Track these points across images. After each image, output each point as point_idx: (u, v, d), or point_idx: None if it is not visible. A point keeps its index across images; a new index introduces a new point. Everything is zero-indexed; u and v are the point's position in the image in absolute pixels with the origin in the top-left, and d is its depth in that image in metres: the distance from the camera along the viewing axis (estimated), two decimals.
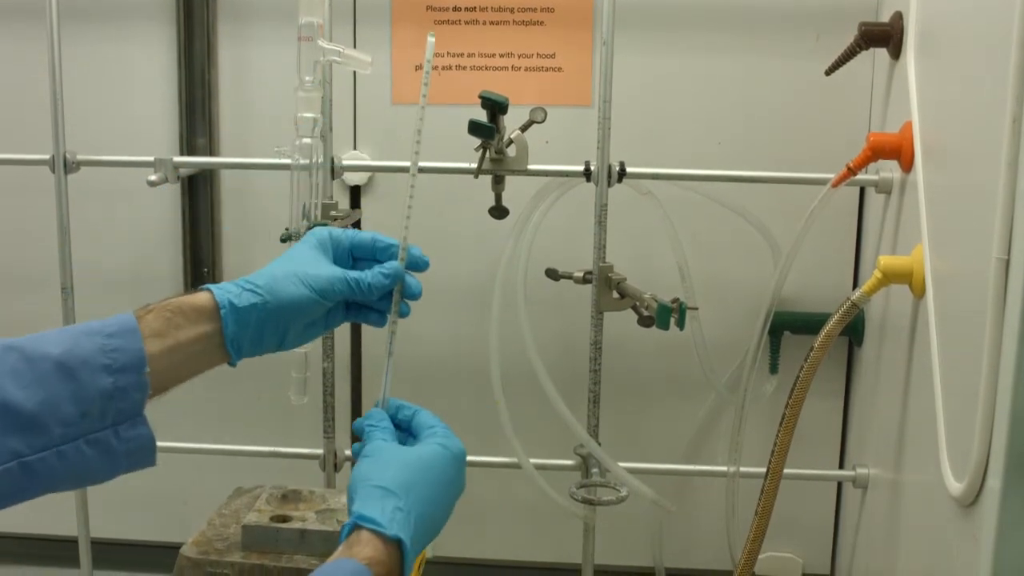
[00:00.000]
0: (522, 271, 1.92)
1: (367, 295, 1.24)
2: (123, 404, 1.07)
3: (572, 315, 2.11)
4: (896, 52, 1.81)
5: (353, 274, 1.23)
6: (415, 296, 1.29)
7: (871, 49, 1.86)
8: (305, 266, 1.21)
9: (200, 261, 2.26)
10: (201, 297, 1.14)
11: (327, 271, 1.22)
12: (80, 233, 2.05)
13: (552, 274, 1.99)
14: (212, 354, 1.16)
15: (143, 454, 1.10)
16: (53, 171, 1.99)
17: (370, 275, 1.24)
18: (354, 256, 1.28)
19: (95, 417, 1.05)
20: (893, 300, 1.79)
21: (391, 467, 1.12)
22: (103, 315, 1.88)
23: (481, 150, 1.80)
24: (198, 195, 2.24)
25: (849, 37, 1.84)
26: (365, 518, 1.04)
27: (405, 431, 1.26)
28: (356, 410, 2.29)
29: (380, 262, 1.27)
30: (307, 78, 1.54)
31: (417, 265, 1.29)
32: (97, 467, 1.07)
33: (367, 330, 2.24)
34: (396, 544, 1.03)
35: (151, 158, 1.98)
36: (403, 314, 1.30)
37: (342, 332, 2.18)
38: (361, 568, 0.99)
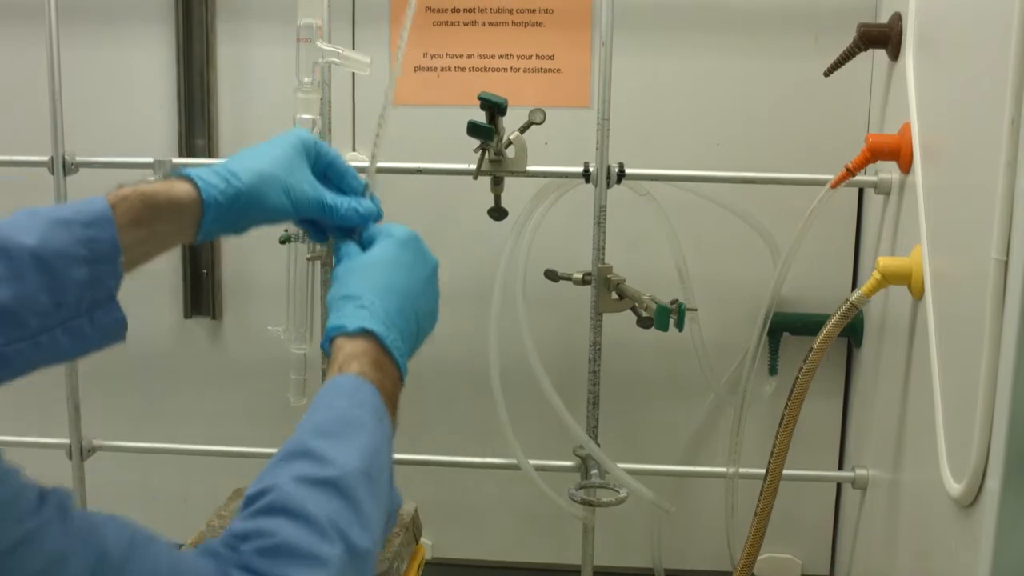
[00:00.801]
0: (521, 272, 1.92)
1: (332, 221, 1.25)
2: (98, 293, 1.08)
3: (571, 316, 2.12)
4: (895, 53, 1.81)
5: (329, 201, 1.24)
6: (367, 245, 1.27)
7: (870, 50, 1.86)
8: (289, 175, 1.21)
9: (199, 263, 2.26)
10: (182, 189, 1.14)
11: (310, 191, 1.23)
12: None
13: (551, 275, 1.99)
14: (181, 237, 1.17)
15: (115, 335, 1.12)
16: (52, 173, 1.99)
17: (344, 208, 1.25)
18: (324, 175, 1.29)
19: (70, 306, 1.06)
20: (892, 301, 1.79)
21: (349, 278, 1.17)
22: None
23: (480, 151, 1.80)
24: None
25: (848, 38, 1.84)
26: (332, 328, 1.10)
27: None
28: None
29: (343, 191, 1.28)
30: (306, 79, 1.54)
31: (371, 217, 1.29)
32: (70, 350, 1.09)
33: None
34: (368, 335, 1.09)
35: (150, 159, 1.98)
36: (342, 256, 1.30)
37: None
38: (344, 378, 1.05)
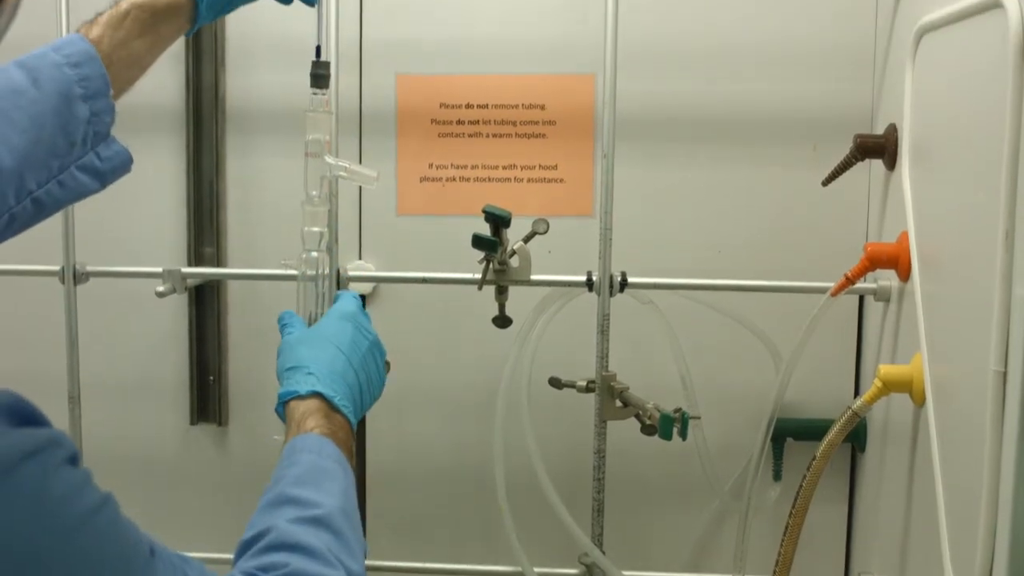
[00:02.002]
0: (526, 379, 1.93)
1: None
2: (99, 127, 1.21)
3: (575, 423, 2.12)
4: (891, 163, 1.84)
5: None
6: None
7: (867, 160, 1.89)
8: None
9: (206, 369, 2.28)
10: None
11: None
12: (86, 340, 2.07)
13: (555, 383, 2.01)
14: (180, 32, 1.34)
15: (122, 167, 1.28)
16: (63, 282, 2.01)
17: None
18: None
19: (79, 145, 1.18)
20: (894, 407, 1.79)
21: (295, 350, 1.30)
22: (111, 426, 1.95)
23: (485, 262, 1.83)
24: (205, 303, 2.26)
25: (845, 146, 1.87)
26: (284, 394, 1.23)
27: None
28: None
29: None
30: (313, 193, 1.57)
31: None
32: (89, 186, 1.23)
33: None
34: (318, 395, 1.22)
35: (159, 269, 2.01)
36: (310, 2, 1.53)
37: None
38: (307, 437, 1.16)
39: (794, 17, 2.09)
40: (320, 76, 1.58)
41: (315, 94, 1.58)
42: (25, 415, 0.74)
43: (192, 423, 2.29)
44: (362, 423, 2.21)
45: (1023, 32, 1.13)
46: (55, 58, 1.18)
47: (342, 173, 1.58)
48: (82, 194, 1.24)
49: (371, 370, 1.36)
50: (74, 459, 0.75)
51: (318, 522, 1.03)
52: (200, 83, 2.20)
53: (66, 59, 1.18)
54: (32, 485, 0.69)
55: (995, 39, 1.18)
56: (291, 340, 1.35)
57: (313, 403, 1.21)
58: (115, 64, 1.24)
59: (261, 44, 2.18)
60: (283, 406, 1.24)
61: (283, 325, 1.42)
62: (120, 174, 1.29)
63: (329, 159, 1.57)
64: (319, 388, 1.23)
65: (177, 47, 1.82)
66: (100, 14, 1.27)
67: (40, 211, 1.19)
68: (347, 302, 1.43)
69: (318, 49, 1.62)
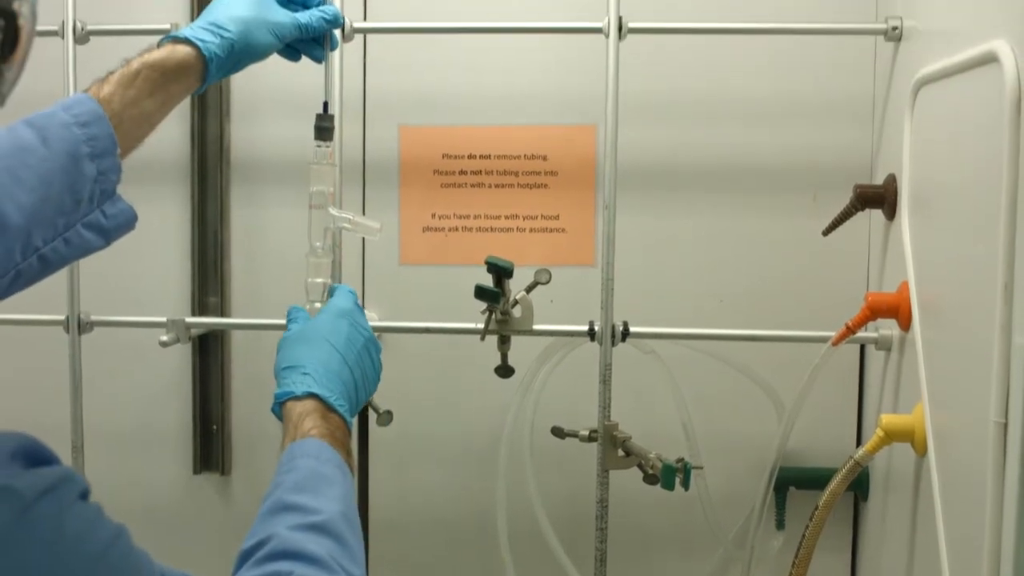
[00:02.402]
0: (528, 429, 1.94)
1: (308, 34, 1.50)
2: (105, 186, 1.23)
3: (578, 472, 2.12)
4: (891, 213, 1.84)
5: (303, 21, 1.49)
6: (335, 46, 1.62)
7: (867, 210, 1.90)
8: (265, 12, 1.42)
9: (209, 418, 2.28)
10: (184, 52, 1.33)
11: (284, 17, 1.46)
12: (90, 389, 2.07)
13: (558, 432, 2.01)
14: (189, 92, 1.37)
15: (126, 224, 1.30)
16: (68, 332, 2.02)
17: (314, 19, 1.50)
18: None
19: (85, 203, 1.21)
20: (896, 456, 1.79)
21: (292, 349, 1.33)
22: (114, 475, 1.95)
23: (487, 312, 1.84)
24: (209, 352, 2.27)
25: (845, 196, 1.88)
26: (281, 394, 1.26)
27: None
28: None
29: (306, 5, 1.53)
30: (317, 244, 1.58)
31: (337, 20, 1.56)
32: (94, 244, 1.25)
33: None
34: (314, 396, 1.24)
35: (163, 319, 2.02)
36: (317, 59, 1.60)
37: None
38: (306, 442, 1.18)
39: (794, 68, 2.11)
40: (324, 128, 1.60)
41: (319, 146, 1.60)
42: (39, 456, 0.76)
43: (195, 472, 2.29)
44: (364, 470, 2.21)
45: (1018, 86, 1.14)
46: (64, 117, 1.20)
47: (346, 225, 1.59)
48: (87, 251, 1.26)
49: (366, 366, 1.39)
50: (86, 494, 0.78)
51: (319, 528, 1.04)
52: (205, 133, 2.22)
53: (75, 119, 1.21)
54: (49, 521, 0.72)
55: (991, 92, 1.20)
56: (288, 338, 1.38)
57: (310, 404, 1.24)
58: (125, 122, 1.26)
59: (266, 95, 2.20)
60: (280, 406, 1.26)
61: (288, 321, 1.45)
62: (124, 232, 1.31)
63: (333, 211, 1.59)
64: (315, 389, 1.25)
65: None
66: (111, 73, 1.30)
67: (45, 268, 1.21)
68: (343, 298, 1.45)
69: (325, 105, 1.65)
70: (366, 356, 1.40)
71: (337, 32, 1.60)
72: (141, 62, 1.30)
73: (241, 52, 1.39)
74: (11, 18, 0.81)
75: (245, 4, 1.41)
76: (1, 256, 1.14)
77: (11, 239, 1.13)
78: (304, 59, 1.60)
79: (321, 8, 1.53)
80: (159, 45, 1.34)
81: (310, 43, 1.56)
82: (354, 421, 1.37)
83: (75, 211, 1.20)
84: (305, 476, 1.12)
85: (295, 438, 1.20)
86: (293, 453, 1.16)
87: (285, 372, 1.30)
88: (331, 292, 1.51)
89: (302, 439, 1.19)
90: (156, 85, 1.29)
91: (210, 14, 1.39)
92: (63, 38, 1.95)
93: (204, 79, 1.36)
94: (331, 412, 1.25)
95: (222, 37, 1.36)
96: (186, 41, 1.34)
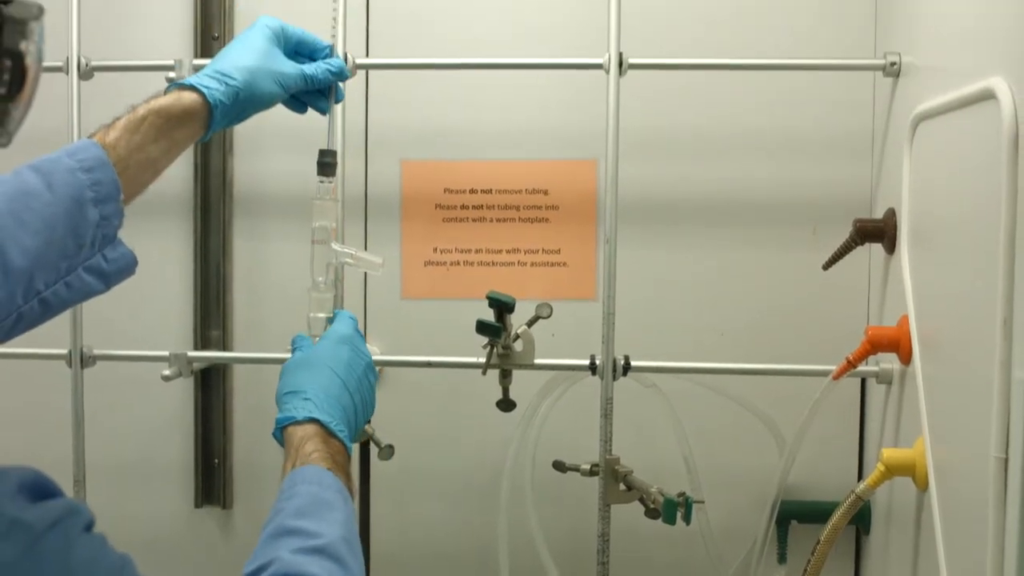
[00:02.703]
0: (529, 463, 1.94)
1: (314, 86, 1.51)
2: (107, 230, 1.25)
3: (579, 506, 2.11)
4: (891, 247, 1.85)
5: (309, 72, 1.50)
6: (340, 98, 1.62)
7: (867, 244, 1.91)
8: (272, 63, 1.44)
9: (211, 451, 2.28)
10: (189, 99, 1.35)
11: (290, 68, 1.47)
12: (92, 423, 2.07)
13: (559, 466, 2.00)
14: (194, 139, 1.39)
15: (127, 269, 1.32)
16: (70, 366, 2.03)
17: (320, 71, 1.52)
18: (295, 51, 1.53)
19: (87, 247, 1.22)
20: (898, 490, 1.79)
21: (294, 375, 1.35)
22: (115, 509, 1.96)
23: (489, 346, 1.84)
24: (211, 386, 2.27)
25: (845, 230, 1.88)
26: (282, 419, 1.28)
27: None
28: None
29: (312, 58, 1.55)
30: (319, 279, 1.59)
31: (343, 74, 1.58)
32: (94, 287, 1.27)
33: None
34: (314, 421, 1.26)
35: (166, 353, 2.02)
36: (322, 110, 1.61)
37: None
38: (307, 468, 1.19)
39: (794, 103, 2.12)
40: (327, 164, 1.61)
41: (322, 182, 1.61)
42: (45, 489, 0.78)
43: (197, 506, 2.29)
44: (365, 504, 2.21)
45: (1015, 123, 1.15)
46: (69, 163, 1.22)
47: (348, 260, 1.60)
48: (87, 295, 1.28)
49: (365, 391, 1.41)
50: (91, 526, 0.80)
51: (321, 551, 1.05)
52: (208, 167, 2.23)
53: (79, 164, 1.22)
54: (57, 555, 0.73)
55: (989, 128, 1.21)
56: (290, 364, 1.40)
57: (311, 428, 1.26)
58: (131, 168, 1.28)
59: (269, 130, 2.20)
60: (281, 431, 1.28)
61: (293, 349, 1.48)
62: (124, 276, 1.33)
63: (335, 246, 1.59)
64: (316, 414, 1.27)
65: None
66: (118, 118, 1.32)
67: (46, 311, 1.22)
68: (344, 324, 1.47)
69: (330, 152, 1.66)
70: (365, 381, 1.42)
71: (342, 84, 1.62)
72: (147, 108, 1.32)
73: (246, 101, 1.40)
74: (18, 58, 0.83)
75: (251, 54, 1.43)
76: (3, 299, 1.15)
77: (14, 282, 1.15)
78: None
79: (327, 60, 1.55)
80: (166, 92, 1.36)
81: (315, 95, 1.57)
82: (355, 451, 1.38)
83: (77, 255, 1.22)
84: (307, 502, 1.13)
85: (296, 462, 1.22)
86: (294, 480, 1.18)
87: (287, 397, 1.32)
88: (333, 318, 1.52)
89: (303, 465, 1.20)
90: (161, 131, 1.31)
91: (217, 63, 1.41)
92: (68, 74, 1.98)
93: (209, 126, 1.38)
94: (332, 437, 1.27)
95: (227, 85, 1.38)
96: (192, 88, 1.36)
